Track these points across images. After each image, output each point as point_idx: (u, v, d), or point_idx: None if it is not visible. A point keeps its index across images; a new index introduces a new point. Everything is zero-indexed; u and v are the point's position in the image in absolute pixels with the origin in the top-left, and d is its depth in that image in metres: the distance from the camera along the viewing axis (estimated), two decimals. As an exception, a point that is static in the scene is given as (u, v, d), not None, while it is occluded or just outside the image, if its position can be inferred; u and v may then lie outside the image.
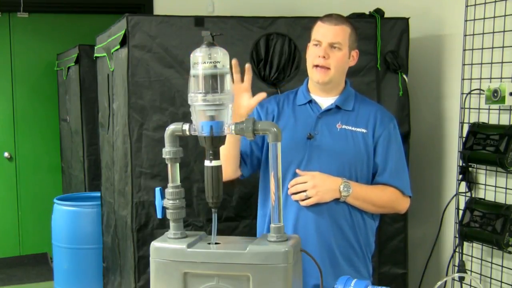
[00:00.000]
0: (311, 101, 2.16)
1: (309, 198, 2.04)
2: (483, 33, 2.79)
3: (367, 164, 2.11)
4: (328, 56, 2.06)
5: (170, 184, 1.66)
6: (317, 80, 2.10)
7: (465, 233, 2.78)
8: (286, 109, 2.18)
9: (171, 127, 1.65)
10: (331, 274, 2.00)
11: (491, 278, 2.78)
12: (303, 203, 2.06)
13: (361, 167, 2.11)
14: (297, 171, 2.07)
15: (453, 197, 2.99)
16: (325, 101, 2.16)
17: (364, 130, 2.11)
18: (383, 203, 2.14)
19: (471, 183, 2.87)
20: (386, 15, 3.00)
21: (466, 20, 2.87)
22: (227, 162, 2.04)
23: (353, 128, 2.11)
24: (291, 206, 2.08)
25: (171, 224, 1.66)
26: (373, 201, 2.11)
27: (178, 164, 1.67)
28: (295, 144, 2.09)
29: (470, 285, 2.90)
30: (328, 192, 2.04)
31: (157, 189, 1.70)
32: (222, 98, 1.55)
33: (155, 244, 1.63)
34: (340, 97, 2.15)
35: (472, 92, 2.86)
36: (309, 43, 2.15)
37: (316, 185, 2.03)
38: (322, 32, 2.08)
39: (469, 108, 2.88)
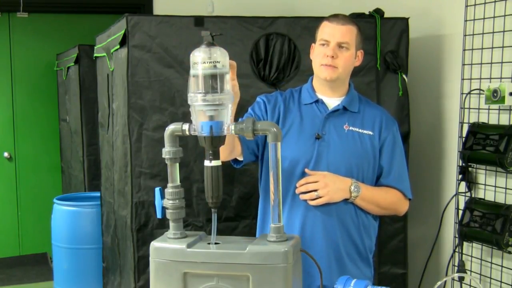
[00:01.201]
0: (317, 101, 2.15)
1: (319, 197, 2.04)
2: (483, 33, 2.79)
3: (373, 166, 2.12)
4: (336, 56, 2.06)
5: (169, 184, 1.66)
6: (324, 77, 2.09)
7: (465, 233, 2.78)
8: (292, 107, 2.17)
9: (171, 127, 1.65)
10: (337, 274, 1.99)
11: (490, 278, 2.78)
12: (312, 203, 2.05)
13: (368, 169, 2.11)
14: (307, 170, 2.06)
15: (452, 197, 2.99)
16: (332, 101, 2.15)
17: (370, 133, 2.12)
18: (387, 204, 2.15)
19: (471, 183, 2.87)
20: (386, 15, 3.00)
21: (466, 20, 2.87)
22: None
23: (360, 130, 2.12)
24: (298, 205, 2.08)
25: (171, 224, 1.66)
26: (378, 203, 2.12)
27: (178, 164, 1.67)
28: (303, 144, 2.09)
29: (470, 285, 2.90)
30: (339, 192, 2.04)
31: (157, 189, 1.70)
32: (222, 98, 1.55)
33: (155, 244, 1.63)
34: (346, 98, 2.15)
35: (472, 92, 2.86)
36: (313, 43, 2.15)
37: (327, 185, 2.03)
38: (329, 32, 2.08)
39: (469, 108, 2.88)
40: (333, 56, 2.06)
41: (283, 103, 2.17)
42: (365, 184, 2.09)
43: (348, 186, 2.04)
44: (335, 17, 2.11)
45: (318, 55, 2.10)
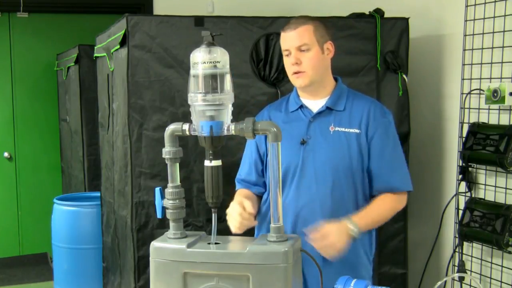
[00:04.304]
0: (302, 106, 2.15)
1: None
2: (483, 33, 2.79)
3: (361, 165, 2.09)
4: (300, 61, 2.06)
5: (170, 184, 1.67)
6: (299, 85, 2.11)
7: (465, 233, 2.78)
8: (279, 116, 2.17)
9: (171, 127, 1.66)
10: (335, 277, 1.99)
11: (491, 278, 2.78)
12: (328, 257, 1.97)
13: (357, 168, 2.08)
14: (306, 231, 1.96)
15: (453, 197, 2.99)
16: (316, 104, 2.14)
17: (357, 131, 2.08)
18: (386, 216, 2.12)
19: (471, 183, 2.87)
20: (386, 15, 3.00)
21: (466, 20, 2.87)
22: None
23: (346, 129, 2.09)
24: (287, 211, 2.07)
25: (171, 224, 1.66)
26: (378, 221, 2.11)
27: (178, 164, 1.67)
28: (289, 150, 2.07)
29: (470, 285, 2.90)
30: (343, 240, 1.95)
31: (157, 189, 1.70)
32: (222, 98, 1.56)
33: (155, 244, 1.63)
34: (330, 98, 2.13)
35: (472, 92, 2.86)
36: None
37: (333, 243, 1.93)
38: (286, 41, 2.08)
39: (469, 108, 2.88)
40: (297, 63, 2.06)
41: (268, 117, 2.20)
42: (359, 214, 2.03)
43: (346, 229, 1.97)
44: (287, 25, 2.10)
45: (286, 65, 2.12)
